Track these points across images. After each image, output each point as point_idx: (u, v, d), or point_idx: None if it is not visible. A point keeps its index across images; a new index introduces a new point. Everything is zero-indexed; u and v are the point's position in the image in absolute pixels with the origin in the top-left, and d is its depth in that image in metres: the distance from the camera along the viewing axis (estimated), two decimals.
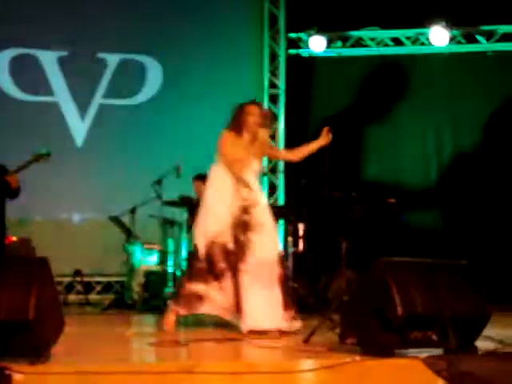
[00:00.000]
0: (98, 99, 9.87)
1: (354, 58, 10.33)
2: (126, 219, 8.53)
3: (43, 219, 9.59)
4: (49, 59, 9.79)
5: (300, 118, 10.29)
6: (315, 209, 5.36)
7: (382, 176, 9.88)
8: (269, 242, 5.86)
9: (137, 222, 8.45)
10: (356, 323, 4.71)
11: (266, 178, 10.21)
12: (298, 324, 5.82)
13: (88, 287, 9.55)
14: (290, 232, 8.54)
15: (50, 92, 9.79)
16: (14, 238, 8.51)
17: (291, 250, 8.57)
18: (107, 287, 9.68)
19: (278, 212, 9.09)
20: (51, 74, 9.79)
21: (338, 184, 6.37)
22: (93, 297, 9.38)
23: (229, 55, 10.07)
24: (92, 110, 9.85)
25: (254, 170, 6.01)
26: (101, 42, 9.82)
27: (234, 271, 5.77)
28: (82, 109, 9.84)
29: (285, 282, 5.87)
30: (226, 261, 5.79)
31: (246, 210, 5.84)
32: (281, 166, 10.30)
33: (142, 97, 9.95)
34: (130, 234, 8.47)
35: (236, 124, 5.98)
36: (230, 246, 5.79)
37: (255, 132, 5.94)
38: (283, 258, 5.97)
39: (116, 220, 8.46)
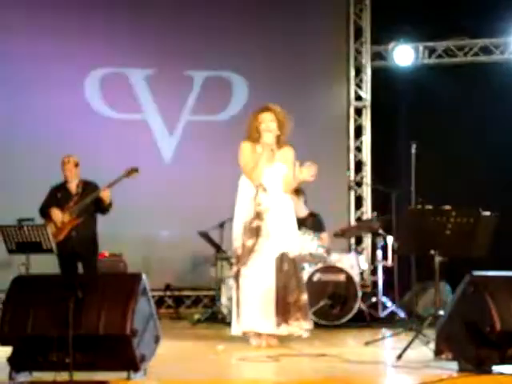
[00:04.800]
0: (186, 116, 10.00)
1: (442, 68, 10.19)
2: (214, 234, 8.59)
3: (133, 234, 9.70)
4: (137, 77, 9.98)
5: (387, 131, 10.20)
6: (405, 222, 5.29)
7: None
8: (273, 248, 5.94)
9: (225, 236, 8.49)
10: (451, 338, 4.63)
11: (352, 192, 10.16)
12: (298, 329, 5.91)
13: (178, 301, 9.68)
14: (379, 245, 8.48)
15: (138, 109, 9.97)
16: (107, 254, 8.70)
17: (380, 263, 8.50)
18: (197, 301, 9.77)
19: (365, 225, 9.08)
20: (140, 91, 9.98)
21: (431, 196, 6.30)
22: (183, 311, 9.48)
23: (314, 69, 10.06)
24: (180, 127, 9.99)
25: (275, 173, 6.08)
26: (187, 60, 9.94)
27: (237, 276, 5.99)
28: (170, 125, 9.99)
29: (282, 290, 5.89)
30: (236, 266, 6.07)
31: (259, 215, 5.95)
32: (368, 178, 10.21)
33: (228, 113, 10.03)
34: (218, 249, 8.53)
35: (251, 132, 6.12)
36: (239, 251, 6.00)
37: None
38: (293, 266, 5.98)
39: (205, 235, 8.53)
